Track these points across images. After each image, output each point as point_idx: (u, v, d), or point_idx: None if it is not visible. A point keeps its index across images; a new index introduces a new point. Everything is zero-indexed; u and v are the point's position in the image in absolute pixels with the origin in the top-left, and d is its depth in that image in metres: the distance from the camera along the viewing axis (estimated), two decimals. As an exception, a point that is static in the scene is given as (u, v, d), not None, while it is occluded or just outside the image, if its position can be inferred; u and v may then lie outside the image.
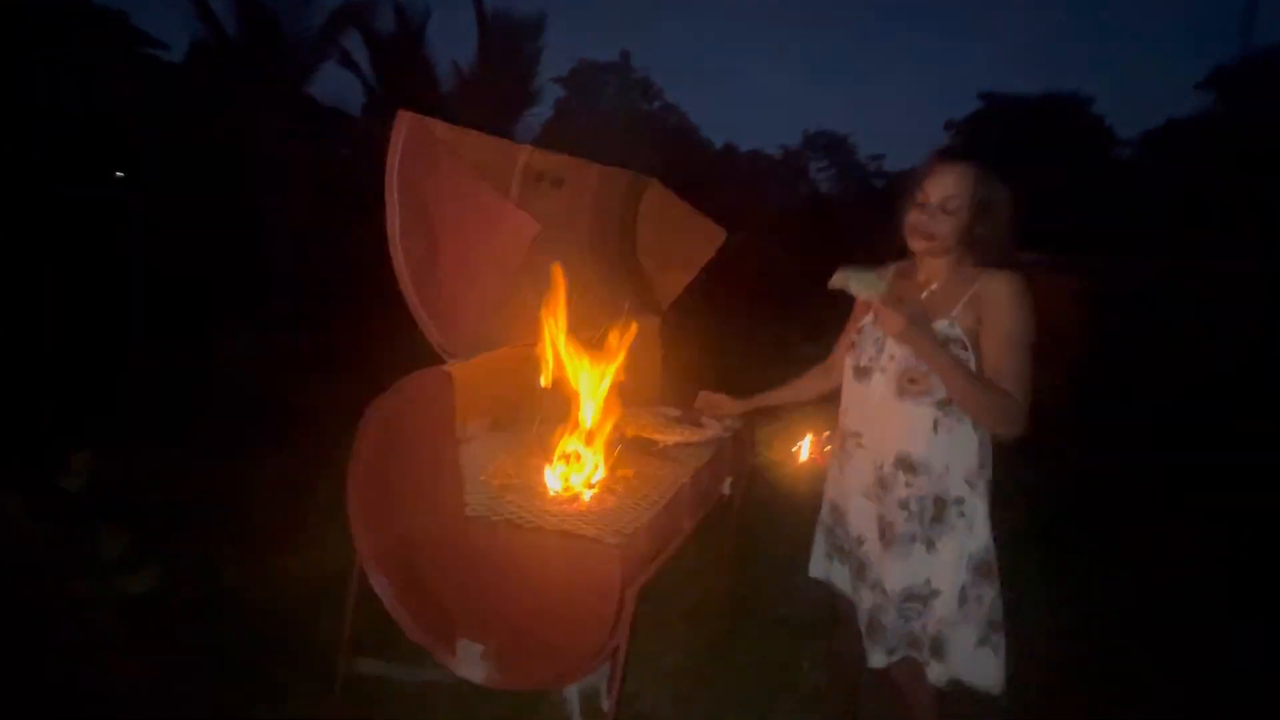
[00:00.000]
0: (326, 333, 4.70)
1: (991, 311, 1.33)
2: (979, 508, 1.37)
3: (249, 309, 5.48)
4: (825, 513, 1.62)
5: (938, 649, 1.37)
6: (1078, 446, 4.30)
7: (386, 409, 1.32)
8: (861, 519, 1.47)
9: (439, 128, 1.28)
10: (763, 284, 8.64)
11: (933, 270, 1.44)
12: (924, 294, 1.42)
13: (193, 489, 2.86)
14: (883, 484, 1.41)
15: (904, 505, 1.38)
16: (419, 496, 1.38)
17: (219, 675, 1.86)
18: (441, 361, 1.29)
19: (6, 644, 1.60)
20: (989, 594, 1.37)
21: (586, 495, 1.51)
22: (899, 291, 1.37)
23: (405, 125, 1.23)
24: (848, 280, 1.34)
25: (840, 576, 1.57)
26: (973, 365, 1.33)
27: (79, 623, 1.63)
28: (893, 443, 1.39)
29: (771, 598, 2.60)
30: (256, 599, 2.23)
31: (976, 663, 1.36)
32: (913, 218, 1.39)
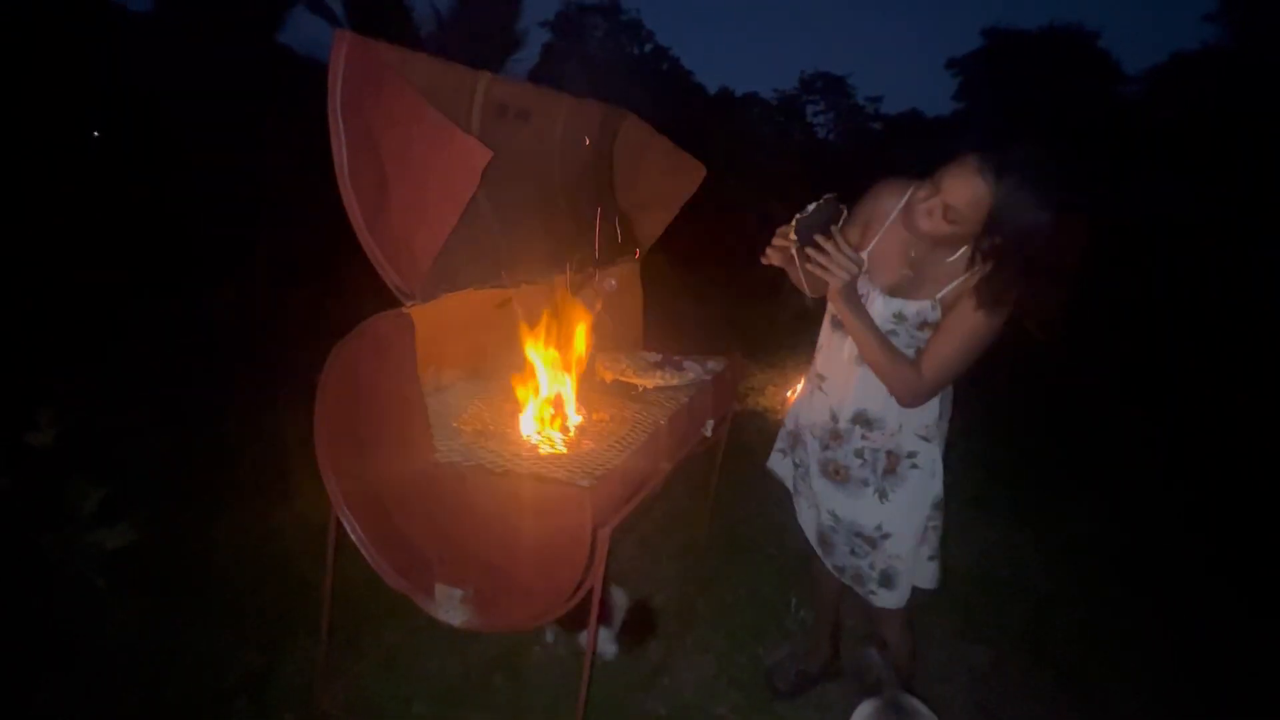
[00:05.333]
0: (310, 287, 4.62)
1: (965, 303, 1.26)
2: (934, 453, 1.43)
3: (232, 264, 5.37)
4: (791, 419, 1.69)
5: (887, 580, 1.48)
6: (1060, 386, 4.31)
7: (346, 354, 1.27)
8: (805, 452, 1.57)
9: (383, 50, 1.18)
10: (757, 232, 8.48)
11: (929, 245, 1.33)
12: (906, 269, 1.36)
13: (175, 444, 2.84)
14: (835, 435, 1.47)
15: (859, 454, 1.45)
16: (387, 442, 1.35)
17: (206, 625, 1.88)
18: (401, 305, 1.23)
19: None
20: (941, 520, 1.48)
21: (561, 440, 1.48)
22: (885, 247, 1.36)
23: (344, 46, 1.13)
24: (795, 236, 1.23)
25: (786, 472, 1.69)
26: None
27: (55, 576, 1.63)
28: (852, 400, 1.44)
29: (760, 537, 2.64)
30: (242, 550, 2.24)
31: (926, 571, 1.50)
32: (918, 199, 1.28)
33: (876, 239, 1.42)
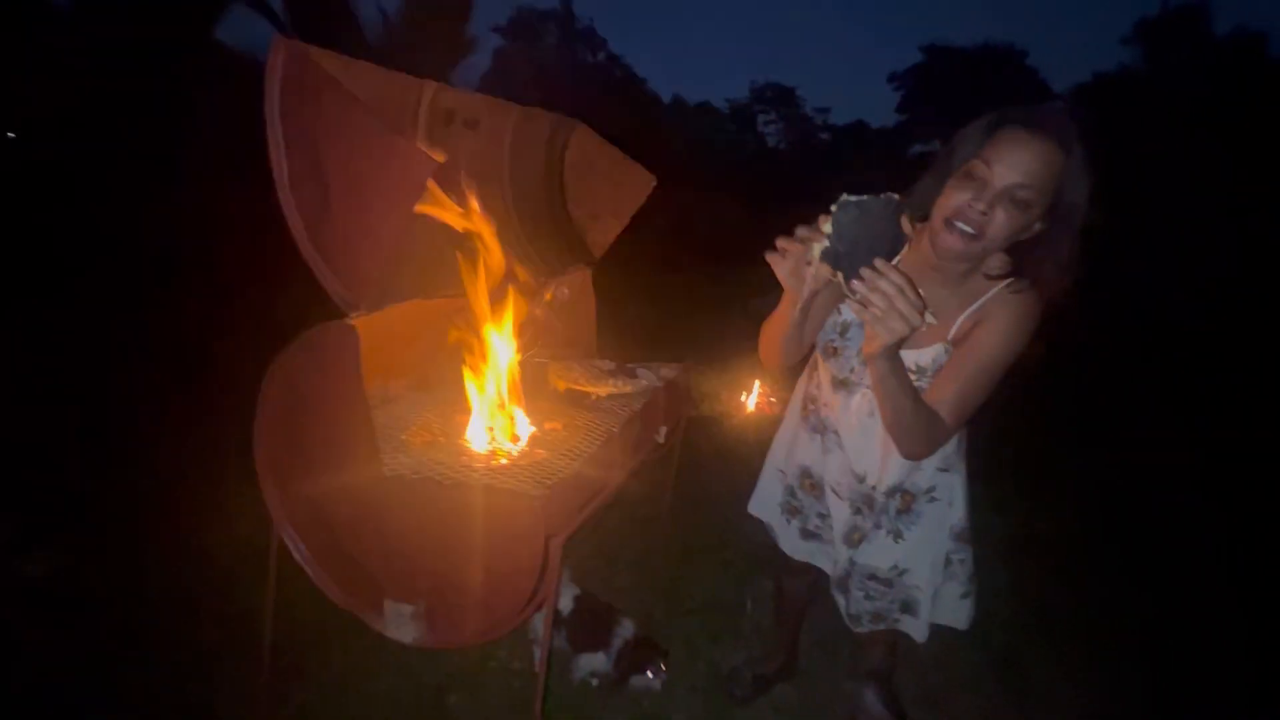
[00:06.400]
0: (248, 296, 4.42)
1: (987, 324, 1.07)
2: (956, 483, 1.30)
3: (161, 270, 5.09)
4: (789, 468, 1.49)
5: (909, 607, 1.35)
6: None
7: (287, 366, 1.24)
8: (831, 510, 1.39)
9: (324, 58, 1.16)
10: (711, 237, 8.62)
11: (934, 271, 1.10)
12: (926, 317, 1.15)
13: (96, 465, 2.68)
14: (870, 503, 1.30)
15: (890, 522, 1.31)
16: (332, 456, 1.31)
17: (138, 657, 1.78)
18: (344, 315, 1.20)
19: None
20: (969, 554, 1.35)
21: (512, 450, 1.47)
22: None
23: (282, 54, 1.11)
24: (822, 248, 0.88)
25: (785, 531, 1.54)
26: None
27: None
28: (885, 471, 1.25)
29: (716, 541, 2.67)
30: (175, 574, 2.12)
31: (959, 611, 1.37)
32: (958, 201, 0.99)
33: None
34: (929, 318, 1.07)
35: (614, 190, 2.15)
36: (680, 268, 7.36)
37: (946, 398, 1.06)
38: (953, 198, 1.00)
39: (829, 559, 1.45)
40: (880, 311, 0.86)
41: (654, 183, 2.12)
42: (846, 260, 0.86)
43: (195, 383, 3.32)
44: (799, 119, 25.88)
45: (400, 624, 1.35)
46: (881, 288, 0.85)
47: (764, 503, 1.61)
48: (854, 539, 1.34)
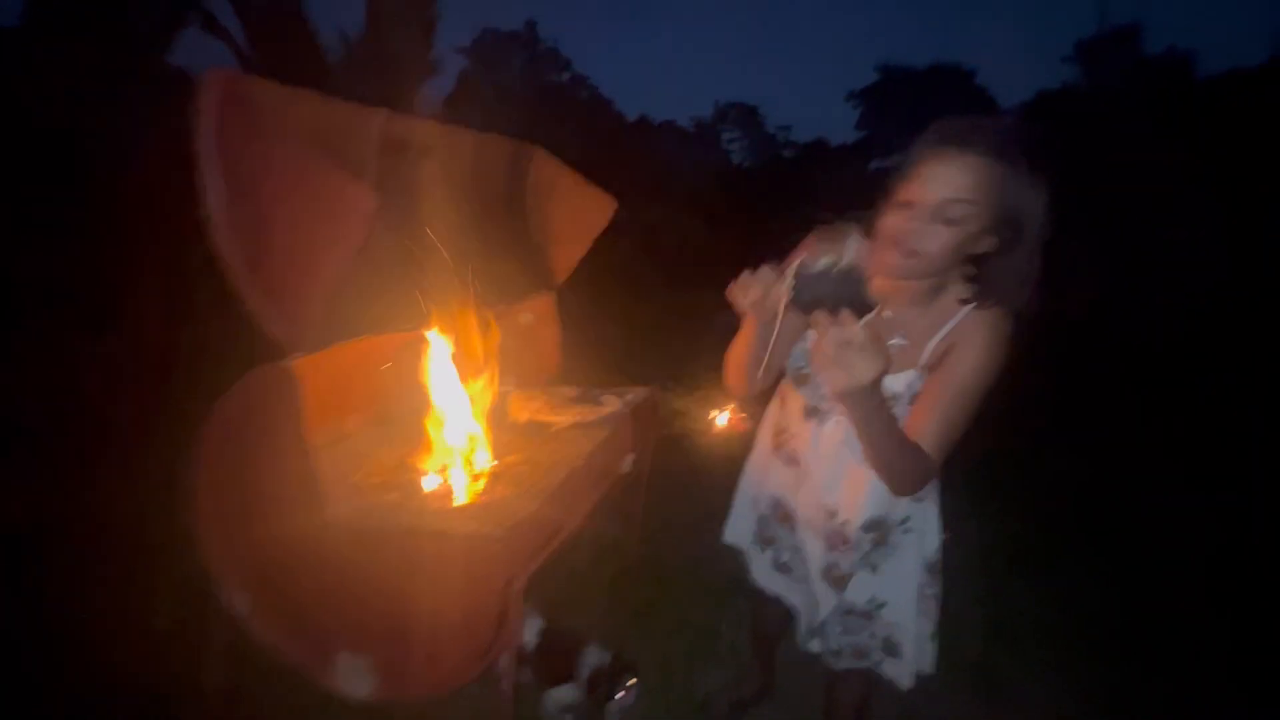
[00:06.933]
0: (142, 335, 4.10)
1: (960, 349, 1.04)
2: (930, 513, 1.26)
3: (65, 311, 4.74)
4: (761, 497, 1.44)
5: (891, 648, 1.30)
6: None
7: (226, 412, 1.17)
8: (806, 548, 1.33)
9: (261, 89, 1.12)
10: (677, 256, 8.67)
11: (898, 291, 1.08)
12: (894, 339, 1.10)
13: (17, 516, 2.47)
14: (844, 540, 1.24)
15: (866, 560, 1.26)
16: (274, 505, 1.25)
17: (80, 701, 1.64)
18: (284, 357, 1.15)
19: None
20: (939, 589, 1.30)
21: (470, 489, 1.42)
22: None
23: (218, 87, 1.06)
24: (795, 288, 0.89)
25: (760, 562, 1.49)
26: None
27: None
28: (855, 506, 1.20)
29: (690, 563, 2.63)
30: (100, 638, 1.93)
31: (926, 654, 1.32)
32: (892, 222, 1.00)
33: None
34: (898, 339, 1.07)
35: (575, 214, 2.14)
36: (649, 286, 7.37)
37: (927, 430, 1.03)
38: (889, 217, 1.01)
39: (802, 596, 1.40)
40: (826, 360, 0.86)
41: (615, 206, 2.12)
42: (806, 308, 0.87)
43: (129, 429, 3.12)
44: (762, 137, 26.43)
45: (353, 679, 1.28)
46: (831, 337, 0.85)
47: (738, 531, 1.57)
48: (834, 576, 1.28)
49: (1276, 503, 3.09)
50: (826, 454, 1.23)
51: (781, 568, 1.46)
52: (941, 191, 0.96)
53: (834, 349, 0.85)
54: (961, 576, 2.61)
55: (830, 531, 1.26)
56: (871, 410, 0.94)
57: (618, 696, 1.73)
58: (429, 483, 1.44)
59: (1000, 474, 3.59)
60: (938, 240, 0.98)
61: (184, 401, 1.26)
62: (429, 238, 1.67)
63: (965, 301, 1.06)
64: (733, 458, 1.67)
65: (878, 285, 1.02)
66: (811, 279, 0.86)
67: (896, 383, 1.10)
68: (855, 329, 0.84)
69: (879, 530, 1.23)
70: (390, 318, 1.52)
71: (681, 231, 9.54)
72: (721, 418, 4.15)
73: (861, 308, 0.84)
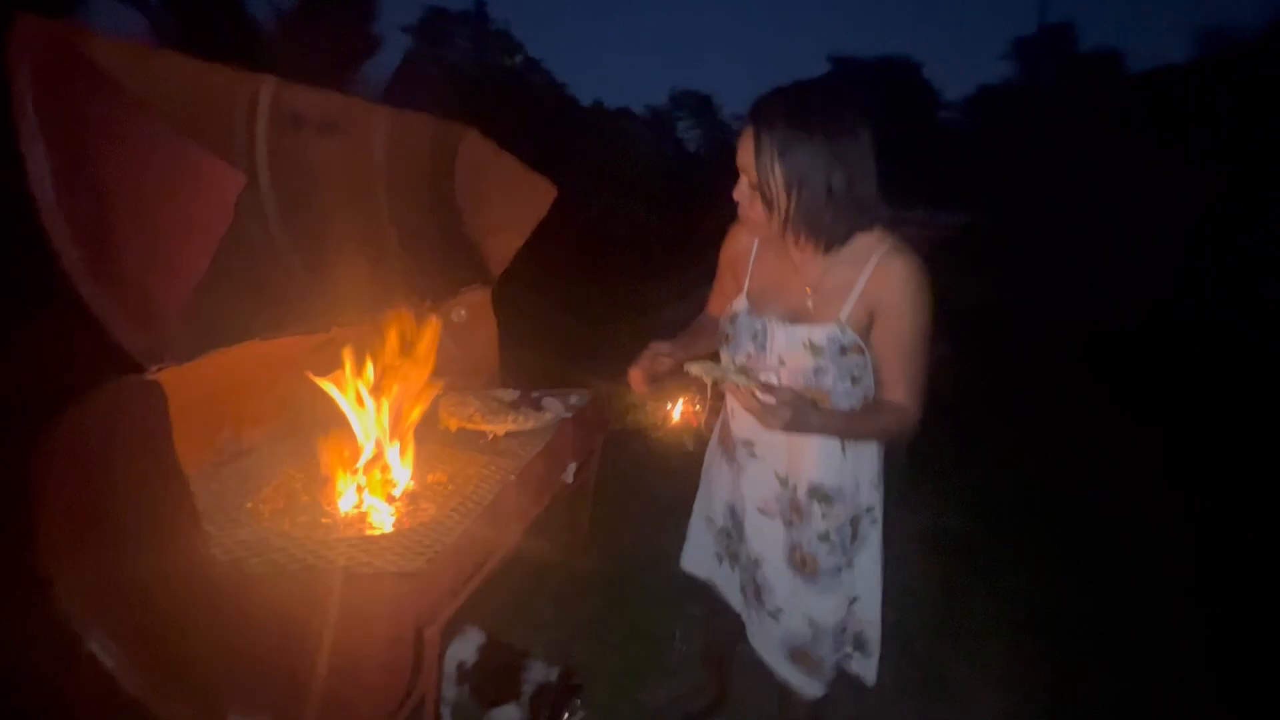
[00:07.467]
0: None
1: (887, 305, 1.11)
2: (879, 500, 1.28)
3: None
4: (715, 511, 1.42)
5: (861, 644, 1.32)
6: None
7: (68, 434, 0.97)
8: (761, 539, 1.30)
9: (94, 44, 0.91)
10: (631, 243, 8.52)
11: (805, 252, 1.16)
12: (809, 286, 1.17)
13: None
14: (796, 509, 1.24)
15: (824, 538, 1.23)
16: (144, 540, 1.05)
17: None
18: (140, 368, 0.95)
19: None
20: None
21: (387, 513, 1.25)
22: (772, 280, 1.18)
23: (31, 36, 0.85)
24: (704, 373, 1.11)
25: (727, 580, 1.43)
26: (869, 368, 1.16)
27: None
28: (801, 470, 1.22)
29: (639, 568, 2.52)
30: None
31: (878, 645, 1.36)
32: (735, 193, 1.13)
33: (749, 275, 1.26)
34: (810, 298, 1.17)
35: (512, 202, 1.96)
36: (599, 274, 7.19)
37: (899, 386, 1.13)
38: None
39: (772, 625, 1.32)
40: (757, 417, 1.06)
41: (555, 193, 1.95)
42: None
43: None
44: (716, 125, 26.38)
45: (246, 740, 1.10)
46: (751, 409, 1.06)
47: (696, 558, 1.50)
48: (797, 559, 1.25)
49: (1236, 497, 3.18)
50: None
51: (742, 584, 1.41)
52: (741, 161, 1.09)
53: (758, 416, 1.05)
54: (913, 574, 2.61)
55: (783, 504, 1.26)
56: (819, 423, 1.09)
57: (566, 715, 1.61)
58: (339, 507, 1.26)
59: (949, 461, 3.62)
60: (755, 205, 1.10)
61: (21, 422, 1.04)
62: (341, 226, 1.48)
63: (860, 251, 1.13)
64: (686, 454, 1.56)
65: (779, 250, 1.20)
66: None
67: (815, 334, 1.15)
68: (756, 400, 1.04)
69: (828, 503, 1.22)
70: (295, 318, 1.32)
71: (634, 220, 9.39)
72: (676, 410, 4.04)
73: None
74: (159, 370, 0.96)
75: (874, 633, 1.30)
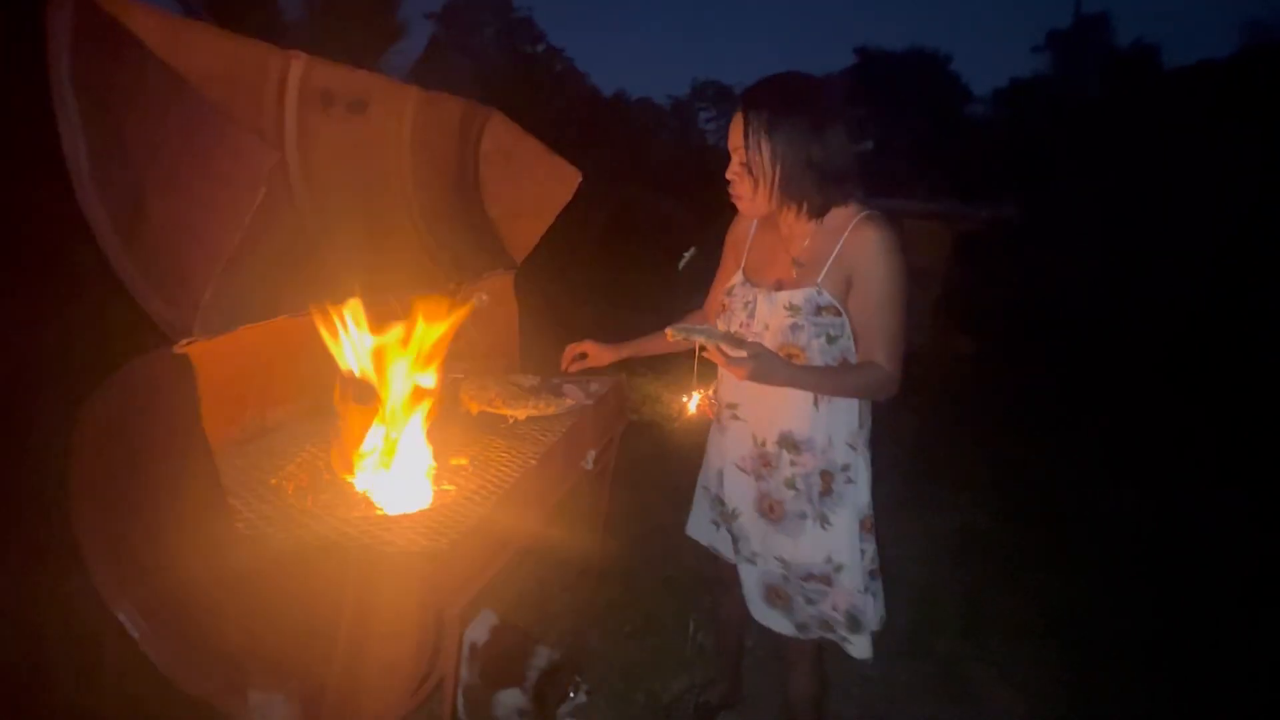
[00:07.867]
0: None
1: (861, 270, 1.21)
2: (862, 465, 1.33)
3: None
4: (710, 480, 1.51)
5: (854, 623, 1.32)
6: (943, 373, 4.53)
7: (103, 411, 0.98)
8: (736, 492, 1.39)
9: (135, 14, 0.90)
10: (653, 232, 8.46)
11: (792, 227, 1.28)
12: (794, 257, 1.28)
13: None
14: (765, 461, 1.33)
15: (790, 484, 1.31)
16: (169, 518, 1.06)
17: None
18: (170, 341, 0.95)
19: None
20: (871, 546, 1.35)
21: (408, 494, 1.25)
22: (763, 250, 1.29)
23: (69, 6, 0.85)
24: (683, 335, 1.20)
25: (724, 543, 1.49)
26: (847, 328, 1.25)
27: None
28: (773, 421, 1.31)
29: (657, 557, 2.52)
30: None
31: (874, 612, 1.36)
32: (728, 173, 1.26)
33: (747, 252, 1.39)
34: (795, 268, 1.27)
35: (536, 186, 1.94)
36: (621, 263, 7.16)
37: (877, 348, 1.22)
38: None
39: (753, 569, 1.40)
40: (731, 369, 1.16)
41: (579, 178, 1.93)
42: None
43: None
44: (739, 116, 26.07)
45: (269, 715, 1.11)
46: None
47: (698, 524, 1.58)
48: (765, 507, 1.34)
49: (1271, 498, 3.08)
50: (749, 386, 1.28)
51: (731, 539, 1.47)
52: (732, 143, 1.22)
53: (725, 366, 1.17)
54: (938, 574, 2.57)
55: (756, 461, 1.34)
56: (787, 376, 1.18)
57: (565, 706, 1.61)
58: (359, 486, 1.26)
59: (977, 464, 3.57)
60: (743, 184, 1.23)
61: (59, 395, 1.05)
62: (367, 205, 1.47)
63: (840, 221, 1.23)
64: (702, 445, 1.56)
65: (768, 225, 1.33)
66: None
67: (795, 297, 1.25)
68: (723, 353, 1.15)
69: (823, 476, 1.29)
70: (322, 297, 1.32)
71: (656, 209, 9.33)
72: (692, 402, 4.02)
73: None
74: (188, 344, 0.96)
75: (862, 604, 1.31)
